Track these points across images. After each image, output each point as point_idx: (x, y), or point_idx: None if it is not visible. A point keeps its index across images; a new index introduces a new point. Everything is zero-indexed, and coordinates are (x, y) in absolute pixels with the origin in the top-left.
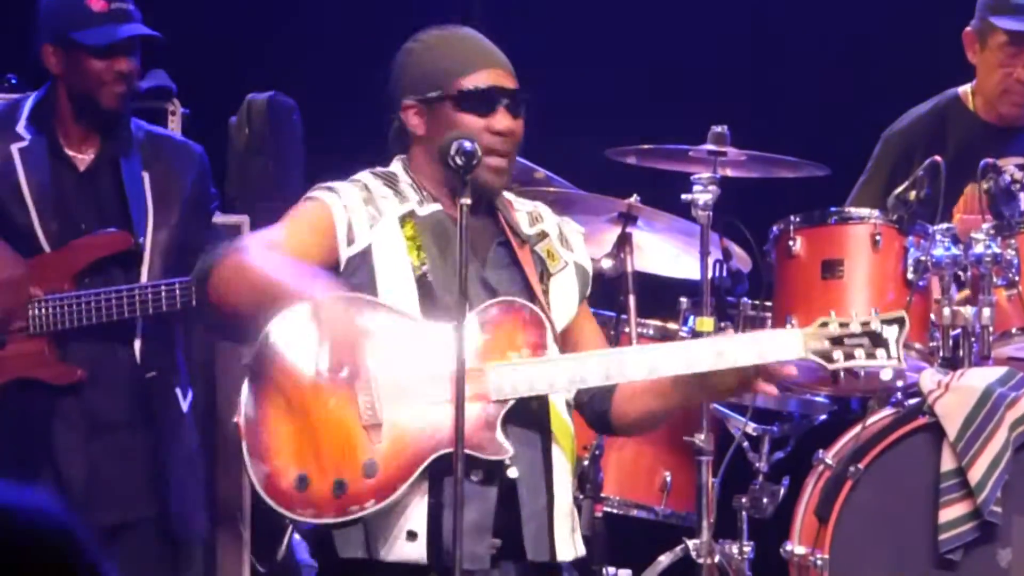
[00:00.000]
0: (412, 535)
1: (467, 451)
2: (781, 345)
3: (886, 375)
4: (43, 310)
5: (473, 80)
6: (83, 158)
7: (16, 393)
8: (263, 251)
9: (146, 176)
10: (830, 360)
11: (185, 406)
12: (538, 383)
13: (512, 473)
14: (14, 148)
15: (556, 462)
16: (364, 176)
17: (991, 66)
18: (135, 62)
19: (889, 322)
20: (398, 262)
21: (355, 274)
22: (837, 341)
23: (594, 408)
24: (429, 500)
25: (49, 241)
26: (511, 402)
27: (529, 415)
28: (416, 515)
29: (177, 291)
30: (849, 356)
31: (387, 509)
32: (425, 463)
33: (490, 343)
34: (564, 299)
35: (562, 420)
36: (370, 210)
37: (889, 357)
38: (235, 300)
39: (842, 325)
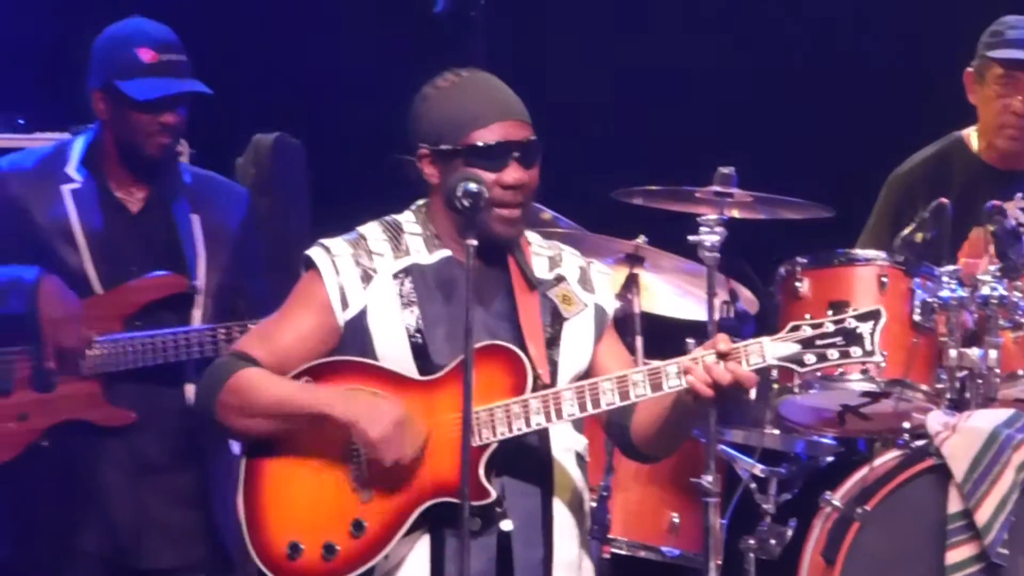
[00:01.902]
0: None
1: (449, 499)
2: (750, 354)
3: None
4: (96, 351)
5: (483, 135)
6: (133, 201)
7: (66, 434)
8: (259, 378)
9: (196, 219)
10: (801, 364)
11: (236, 448)
12: (516, 422)
13: (505, 526)
14: (65, 189)
15: (557, 514)
16: (367, 229)
17: (989, 101)
18: (181, 115)
19: (864, 317)
20: (392, 323)
21: (354, 337)
22: (809, 343)
23: (618, 426)
24: (432, 555)
25: (101, 283)
26: (493, 446)
27: (526, 466)
28: (418, 572)
29: (234, 332)
30: (822, 357)
31: (383, 566)
32: (413, 515)
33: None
34: (578, 343)
35: (566, 471)
36: (363, 269)
37: (864, 352)
38: (243, 427)
39: (814, 327)
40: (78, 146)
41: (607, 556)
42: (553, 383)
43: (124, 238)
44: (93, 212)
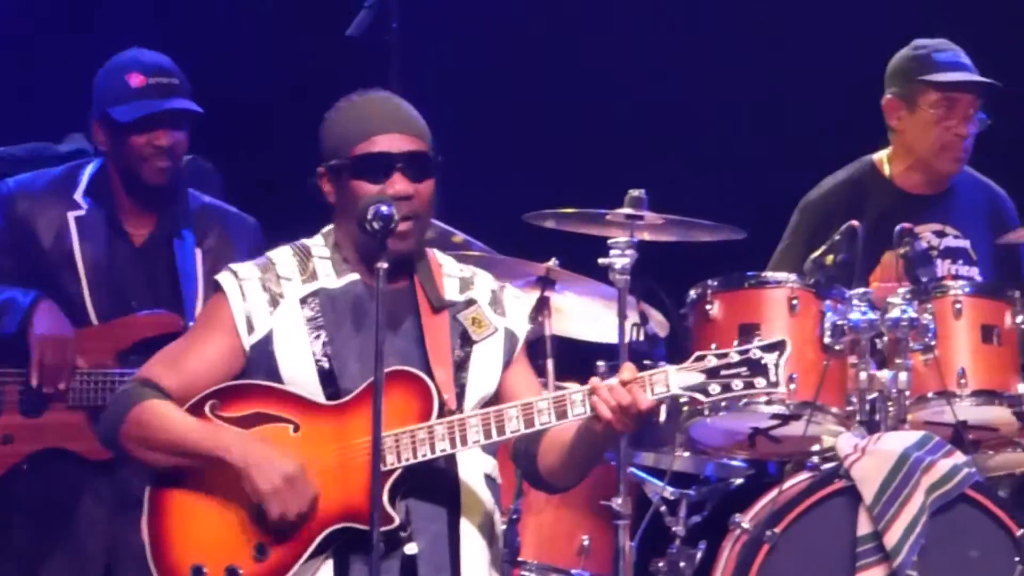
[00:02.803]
0: None
1: (351, 523)
2: (655, 383)
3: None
4: (85, 383)
5: (367, 147)
6: (139, 233)
7: (48, 462)
8: (161, 411)
9: (199, 253)
10: (706, 393)
11: None
12: (421, 448)
13: (410, 549)
14: (71, 216)
15: (465, 538)
16: (276, 253)
17: (925, 125)
18: (177, 136)
19: (769, 348)
20: (299, 348)
21: (260, 361)
22: (714, 373)
23: (525, 455)
24: None
25: (98, 314)
26: (398, 471)
27: (433, 490)
28: None
29: None
30: (727, 387)
31: None
32: (316, 540)
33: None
34: (486, 367)
35: (475, 494)
36: (270, 294)
37: (769, 384)
38: (146, 459)
39: (719, 356)
40: (87, 172)
41: None
42: (460, 407)
43: (125, 271)
44: (96, 241)
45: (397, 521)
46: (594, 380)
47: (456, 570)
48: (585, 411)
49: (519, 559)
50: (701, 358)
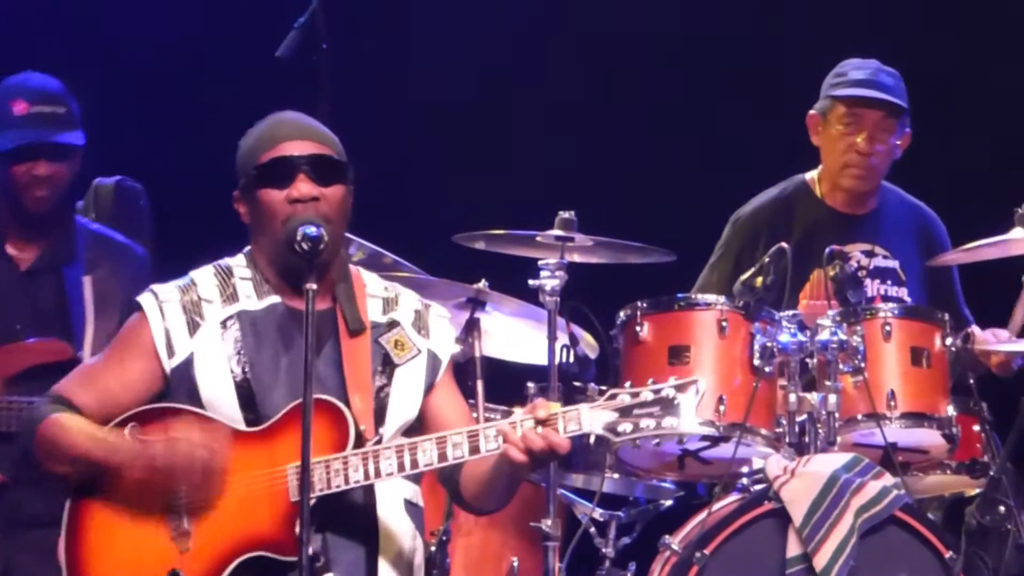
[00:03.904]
0: None
1: (264, 552)
2: (567, 421)
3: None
4: None
5: (270, 154)
6: (24, 257)
7: None
8: (66, 425)
9: (87, 281)
10: (616, 433)
11: None
12: (336, 479)
13: None
14: None
15: (383, 566)
16: (199, 274)
17: (833, 141)
18: (57, 167)
19: (683, 387)
20: (218, 371)
21: (180, 384)
22: (626, 412)
23: (449, 479)
24: None
25: None
26: (313, 500)
27: (349, 518)
28: None
29: None
30: (636, 427)
31: None
32: (230, 567)
33: (294, 442)
34: (407, 391)
35: (393, 521)
36: (190, 316)
37: (680, 424)
38: (59, 472)
39: (633, 395)
40: None
41: None
42: (379, 433)
43: (10, 296)
44: None
45: (310, 550)
46: (503, 425)
47: None
48: (498, 446)
49: None
50: (614, 396)
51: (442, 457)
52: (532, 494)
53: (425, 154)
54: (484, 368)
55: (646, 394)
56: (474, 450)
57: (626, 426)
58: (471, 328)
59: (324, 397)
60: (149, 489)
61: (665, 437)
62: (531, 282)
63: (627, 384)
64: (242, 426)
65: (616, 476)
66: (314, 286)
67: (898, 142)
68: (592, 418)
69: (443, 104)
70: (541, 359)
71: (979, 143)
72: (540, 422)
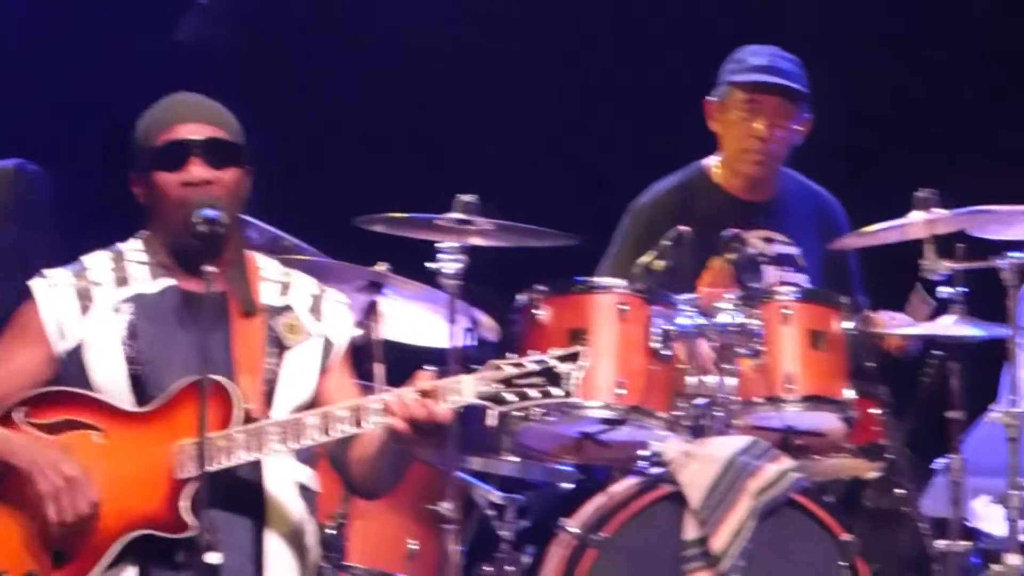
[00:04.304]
0: None
1: (151, 531)
2: (449, 392)
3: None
4: None
5: (164, 136)
6: None
7: None
8: None
9: None
10: (501, 402)
11: None
12: (220, 456)
13: (212, 559)
14: None
15: (272, 547)
16: (91, 258)
17: (732, 126)
18: None
19: (566, 358)
20: (110, 355)
21: (71, 368)
22: (510, 383)
23: (338, 461)
24: None
25: None
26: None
27: (238, 498)
28: None
29: None
30: (523, 396)
31: None
32: (115, 546)
33: (181, 421)
34: (300, 374)
35: (284, 503)
36: (82, 300)
37: (565, 394)
38: None
39: (516, 365)
40: None
41: None
42: (268, 414)
43: None
44: None
45: (195, 530)
46: (386, 398)
47: None
48: (382, 420)
49: (345, 564)
50: (497, 367)
51: (326, 432)
52: (430, 477)
53: (326, 136)
54: (384, 351)
55: (530, 365)
56: (357, 423)
57: (511, 395)
58: (370, 311)
59: (212, 376)
60: (29, 478)
61: (552, 407)
62: (428, 265)
63: None
64: (132, 407)
65: (515, 459)
66: (213, 268)
67: (798, 128)
68: (474, 388)
69: (344, 85)
70: (441, 342)
71: (878, 126)
72: (423, 393)
